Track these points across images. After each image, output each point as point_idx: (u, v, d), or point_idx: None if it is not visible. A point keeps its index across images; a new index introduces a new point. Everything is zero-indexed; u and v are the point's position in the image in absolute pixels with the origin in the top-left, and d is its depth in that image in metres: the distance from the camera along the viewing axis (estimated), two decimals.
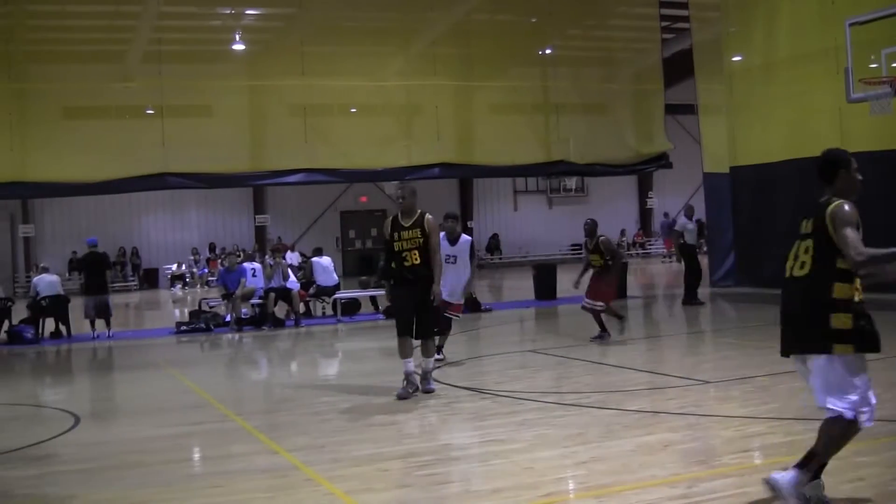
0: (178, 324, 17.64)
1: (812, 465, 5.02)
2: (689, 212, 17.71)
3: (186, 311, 20.51)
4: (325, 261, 18.79)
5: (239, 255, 20.87)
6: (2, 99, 18.91)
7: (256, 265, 18.79)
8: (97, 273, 17.07)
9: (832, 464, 5.92)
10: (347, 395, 9.57)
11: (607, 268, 12.54)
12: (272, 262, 17.90)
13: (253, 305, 17.94)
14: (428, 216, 9.32)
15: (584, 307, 12.81)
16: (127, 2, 20.67)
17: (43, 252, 32.63)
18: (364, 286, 20.17)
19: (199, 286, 32.41)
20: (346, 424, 8.03)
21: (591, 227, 12.58)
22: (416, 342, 9.20)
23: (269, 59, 22.52)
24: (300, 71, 20.86)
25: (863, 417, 4.94)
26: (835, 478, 5.60)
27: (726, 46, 19.96)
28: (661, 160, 24.13)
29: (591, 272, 12.71)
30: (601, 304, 12.55)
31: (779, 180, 17.80)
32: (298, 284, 18.15)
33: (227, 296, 17.40)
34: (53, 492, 6.27)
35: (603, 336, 12.64)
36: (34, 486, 6.45)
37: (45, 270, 18.09)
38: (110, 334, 16.95)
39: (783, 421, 7.26)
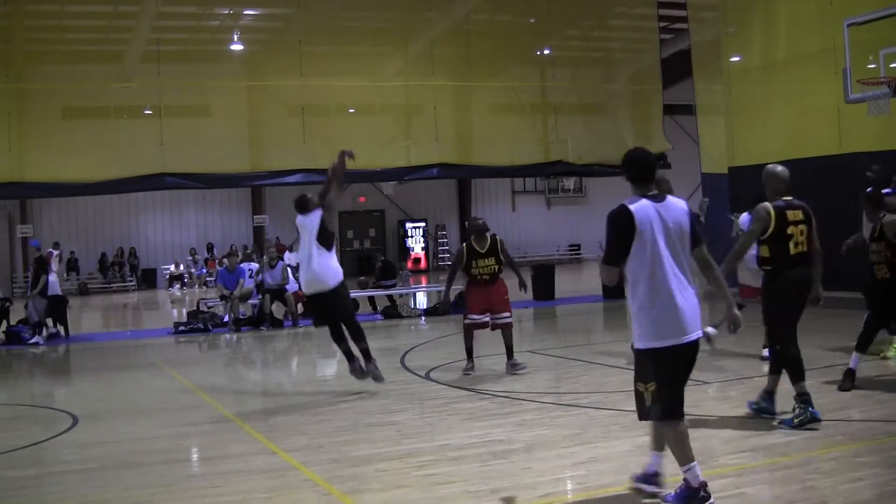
0: (177, 324, 17.63)
1: None
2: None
3: (185, 311, 20.51)
4: None
5: (237, 256, 20.84)
6: (0, 99, 18.88)
7: (254, 265, 18.77)
8: (38, 276, 16.90)
9: (831, 464, 5.93)
10: (345, 395, 9.57)
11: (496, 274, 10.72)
12: (267, 262, 17.79)
13: (252, 306, 17.93)
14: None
15: (494, 325, 10.71)
16: (125, 2, 20.65)
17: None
18: (362, 286, 20.16)
19: (197, 286, 32.39)
20: (345, 425, 8.03)
21: (484, 227, 10.92)
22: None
23: (267, 60, 22.50)
24: (299, 71, 20.82)
25: None
26: (834, 478, 5.61)
27: (724, 47, 19.96)
28: (660, 161, 24.11)
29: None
30: (508, 315, 10.76)
31: None
32: (297, 285, 18.12)
33: (226, 297, 17.39)
34: (52, 492, 6.26)
35: (517, 364, 10.61)
36: (33, 486, 6.45)
37: None
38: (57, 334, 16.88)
39: None
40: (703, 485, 5.15)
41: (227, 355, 15.06)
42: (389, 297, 19.42)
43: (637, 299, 5.20)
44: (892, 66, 13.99)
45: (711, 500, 5.12)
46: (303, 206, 10.18)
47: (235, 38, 21.66)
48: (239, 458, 6.97)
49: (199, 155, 19.92)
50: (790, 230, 7.16)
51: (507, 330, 10.65)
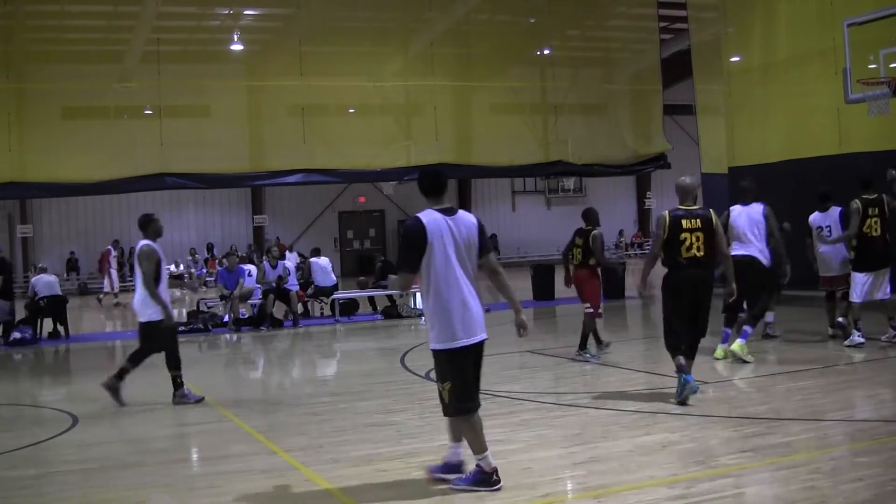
0: (177, 324, 17.59)
1: None
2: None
3: (185, 311, 20.50)
4: (324, 261, 18.77)
5: (236, 256, 20.83)
6: (0, 99, 18.88)
7: (251, 267, 18.73)
8: (6, 278, 16.72)
9: (831, 465, 5.93)
10: (346, 395, 9.57)
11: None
12: (268, 264, 17.79)
13: (252, 306, 17.93)
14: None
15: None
16: (126, 2, 20.64)
17: (41, 252, 32.60)
18: (362, 286, 20.16)
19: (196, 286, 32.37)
20: (345, 425, 8.03)
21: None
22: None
23: (267, 60, 22.52)
24: (299, 71, 20.83)
25: None
26: (834, 478, 5.61)
27: (725, 47, 19.96)
28: (660, 161, 24.14)
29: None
30: (588, 306, 11.44)
31: (777, 181, 17.79)
32: (297, 285, 18.14)
33: (226, 297, 17.37)
34: (52, 492, 6.26)
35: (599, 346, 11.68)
36: (33, 486, 6.45)
37: (44, 271, 18.07)
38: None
39: (781, 421, 7.27)
40: (495, 470, 5.72)
41: (227, 355, 15.06)
42: (389, 297, 19.41)
43: (431, 304, 5.71)
44: (892, 66, 13.98)
45: (501, 485, 5.69)
46: (141, 227, 9.62)
47: (235, 38, 21.66)
48: (239, 458, 6.96)
49: (199, 155, 19.93)
50: (683, 236, 8.07)
51: (585, 318, 11.38)
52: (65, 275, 32.05)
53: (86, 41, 21.55)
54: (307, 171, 20.98)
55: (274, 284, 17.37)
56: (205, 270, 33.22)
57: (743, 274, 9.89)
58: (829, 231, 11.77)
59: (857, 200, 10.93)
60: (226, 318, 17.35)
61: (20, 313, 17.50)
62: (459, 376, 5.70)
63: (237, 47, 21.81)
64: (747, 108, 19.18)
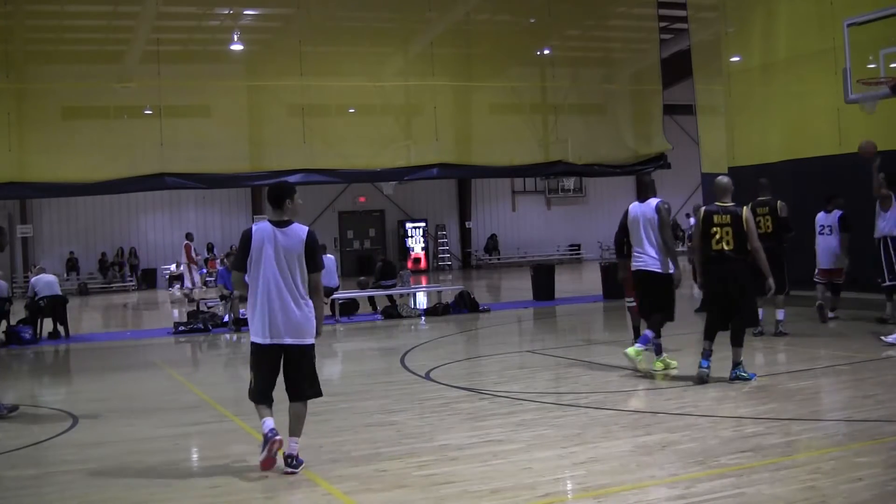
0: (177, 324, 17.62)
1: None
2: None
3: (185, 311, 20.50)
4: (329, 260, 18.74)
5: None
6: (0, 99, 18.87)
7: None
8: None
9: (831, 464, 5.94)
10: (345, 395, 9.57)
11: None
12: None
13: None
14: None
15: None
16: (126, 2, 20.62)
17: (41, 252, 32.62)
18: (362, 286, 20.15)
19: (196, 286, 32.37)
20: (345, 425, 8.03)
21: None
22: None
23: (267, 60, 22.48)
24: (299, 71, 20.80)
25: None
26: (834, 478, 5.61)
27: (725, 47, 19.96)
28: (660, 161, 24.11)
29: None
30: (630, 300, 11.42)
31: (777, 181, 17.77)
32: None
33: (226, 297, 17.37)
34: (52, 492, 6.26)
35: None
36: (33, 486, 6.45)
37: (43, 270, 18.06)
38: None
39: (781, 421, 7.27)
40: (271, 430, 6.39)
41: (227, 355, 15.06)
42: (389, 297, 19.41)
43: (249, 300, 6.61)
44: (892, 66, 13.98)
45: (278, 437, 6.32)
46: None
47: (235, 38, 21.62)
48: (239, 458, 6.97)
49: (199, 155, 19.89)
50: (713, 230, 8.85)
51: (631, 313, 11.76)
52: (65, 275, 32.06)
53: (86, 41, 21.51)
54: (307, 171, 20.92)
55: None
56: (205, 270, 33.21)
57: (640, 285, 9.89)
58: (830, 230, 13.07)
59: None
60: (226, 318, 17.35)
61: (20, 313, 17.53)
62: (254, 369, 6.63)
63: (237, 47, 21.78)
64: (747, 108, 19.17)
